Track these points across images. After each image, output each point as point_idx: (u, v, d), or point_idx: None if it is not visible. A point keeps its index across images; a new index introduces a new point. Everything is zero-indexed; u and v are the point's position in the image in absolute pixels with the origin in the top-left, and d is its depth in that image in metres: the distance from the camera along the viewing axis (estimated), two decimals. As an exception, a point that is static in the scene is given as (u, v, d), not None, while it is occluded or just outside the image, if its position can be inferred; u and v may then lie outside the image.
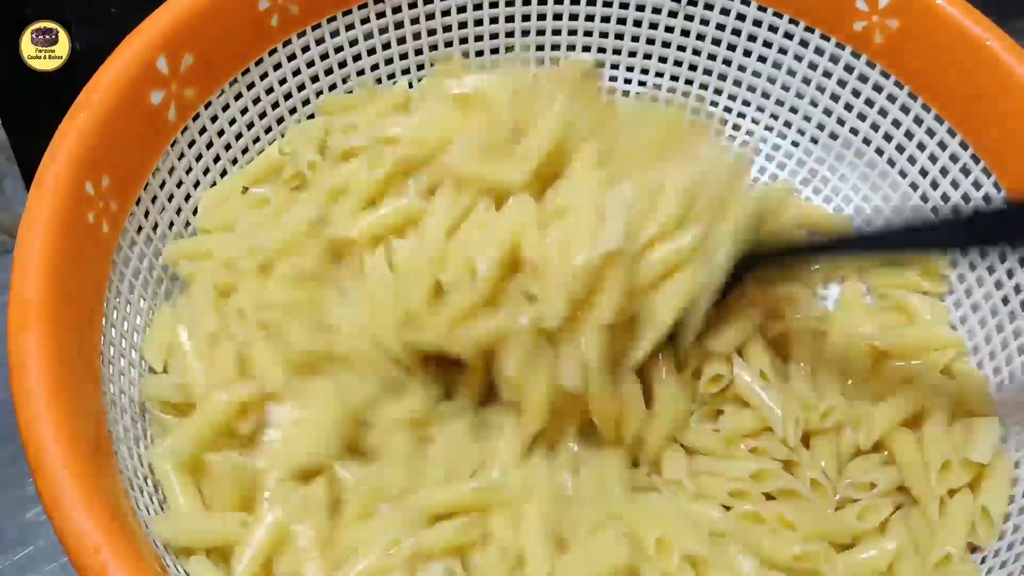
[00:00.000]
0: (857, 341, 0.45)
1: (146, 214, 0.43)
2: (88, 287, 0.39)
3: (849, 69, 0.50)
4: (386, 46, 0.52)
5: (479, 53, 0.54)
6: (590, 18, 0.54)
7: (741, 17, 0.51)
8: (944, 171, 0.48)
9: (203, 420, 0.38)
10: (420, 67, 0.53)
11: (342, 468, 0.38)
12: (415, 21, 0.52)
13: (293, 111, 0.50)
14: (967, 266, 0.47)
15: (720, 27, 0.52)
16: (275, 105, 0.49)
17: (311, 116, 0.51)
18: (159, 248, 0.44)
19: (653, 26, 0.53)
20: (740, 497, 0.41)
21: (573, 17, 0.54)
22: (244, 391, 0.38)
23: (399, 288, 0.39)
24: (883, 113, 0.50)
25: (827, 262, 0.48)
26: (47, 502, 0.31)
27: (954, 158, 0.47)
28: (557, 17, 0.54)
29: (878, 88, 0.49)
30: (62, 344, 0.35)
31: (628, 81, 0.56)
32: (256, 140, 0.49)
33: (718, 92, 0.55)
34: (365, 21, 0.50)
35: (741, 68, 0.53)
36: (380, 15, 0.50)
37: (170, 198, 0.45)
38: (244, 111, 0.48)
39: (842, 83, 0.51)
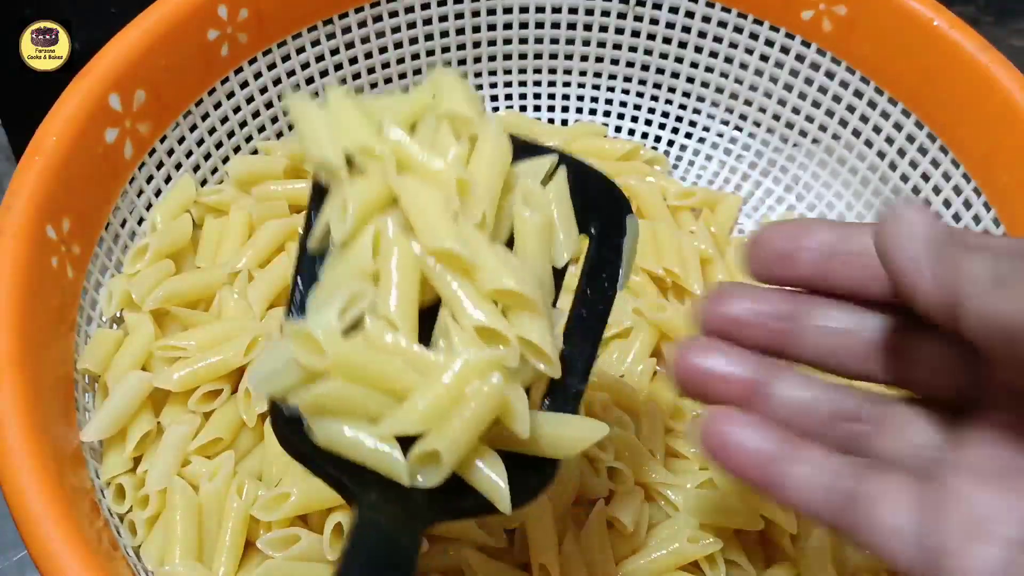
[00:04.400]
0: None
1: (109, 254, 0.42)
2: (57, 333, 0.38)
3: (800, 58, 0.50)
4: (338, 67, 0.51)
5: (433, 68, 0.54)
6: (540, 25, 0.54)
7: (690, 14, 0.52)
8: (901, 152, 0.49)
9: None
10: (373, 86, 0.53)
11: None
12: (365, 40, 0.51)
13: (249, 139, 0.50)
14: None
15: (670, 26, 0.53)
16: (231, 134, 0.49)
17: (279, 135, 0.50)
18: (125, 288, 0.43)
19: (603, 29, 0.54)
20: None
21: (523, 26, 0.54)
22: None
23: None
24: (837, 99, 0.50)
25: None
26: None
27: (910, 138, 0.48)
28: (507, 27, 0.54)
29: (830, 75, 0.50)
30: (37, 395, 0.34)
31: (582, 86, 0.56)
32: (214, 171, 0.49)
33: (672, 90, 0.55)
34: (316, 44, 0.50)
35: (693, 65, 0.53)
36: (330, 36, 0.50)
37: (132, 236, 0.44)
38: (200, 142, 0.47)
39: (794, 73, 0.51)
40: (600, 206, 0.32)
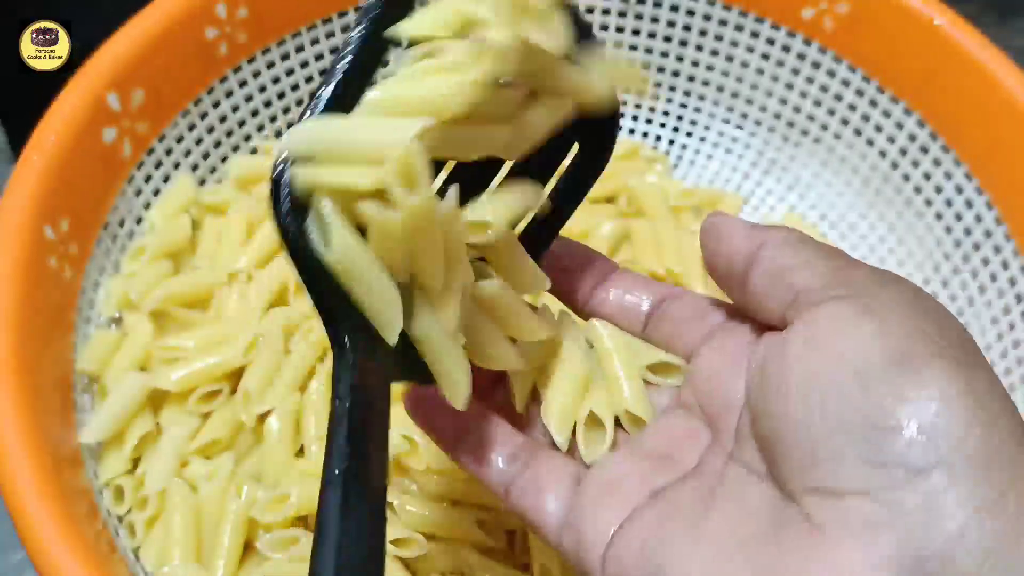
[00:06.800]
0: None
1: (107, 254, 0.42)
2: (55, 334, 0.38)
3: (801, 57, 0.50)
4: (337, 66, 0.51)
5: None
6: (540, 24, 0.53)
7: (691, 13, 0.51)
8: (903, 151, 0.48)
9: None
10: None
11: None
12: (365, 39, 0.51)
13: (248, 138, 0.49)
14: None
15: (671, 24, 0.52)
16: (229, 133, 0.48)
17: (278, 134, 0.50)
18: (123, 288, 0.43)
19: (604, 28, 0.53)
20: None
21: (523, 24, 0.53)
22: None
23: None
24: (838, 98, 0.50)
25: None
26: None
27: (911, 137, 0.48)
28: (507, 25, 0.53)
29: (831, 74, 0.50)
30: (35, 396, 0.34)
31: (582, 84, 0.56)
32: (213, 170, 0.48)
33: (672, 89, 0.55)
34: (315, 43, 0.50)
35: (694, 63, 0.53)
36: (329, 35, 0.50)
37: (130, 236, 0.44)
38: (199, 142, 0.47)
39: (795, 71, 0.51)
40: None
